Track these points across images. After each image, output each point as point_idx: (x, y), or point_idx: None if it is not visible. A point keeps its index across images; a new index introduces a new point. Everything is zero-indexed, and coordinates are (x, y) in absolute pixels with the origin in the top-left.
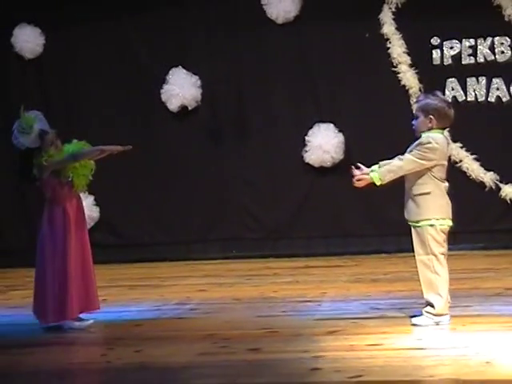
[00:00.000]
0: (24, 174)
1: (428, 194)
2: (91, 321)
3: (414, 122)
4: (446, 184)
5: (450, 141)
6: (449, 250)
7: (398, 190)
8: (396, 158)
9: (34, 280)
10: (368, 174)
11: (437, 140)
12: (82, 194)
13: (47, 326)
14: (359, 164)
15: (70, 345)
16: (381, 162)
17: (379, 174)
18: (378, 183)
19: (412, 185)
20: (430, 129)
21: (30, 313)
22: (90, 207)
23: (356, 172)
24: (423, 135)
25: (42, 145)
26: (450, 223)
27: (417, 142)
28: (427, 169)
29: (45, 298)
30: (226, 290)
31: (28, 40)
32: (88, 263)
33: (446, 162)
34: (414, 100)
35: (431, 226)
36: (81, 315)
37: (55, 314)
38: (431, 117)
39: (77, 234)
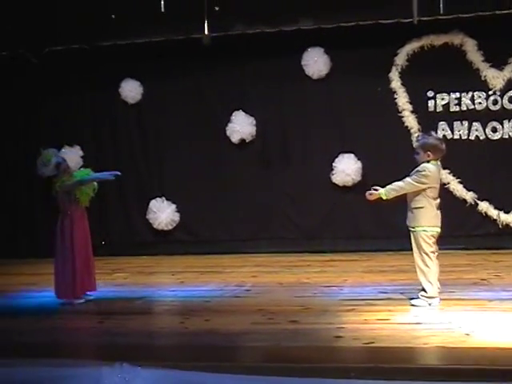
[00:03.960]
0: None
1: (422, 208)
2: (92, 297)
3: (415, 156)
4: (438, 201)
5: (441, 168)
6: (439, 249)
7: (401, 204)
8: (400, 181)
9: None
10: (377, 191)
11: (430, 169)
12: (166, 204)
13: (62, 301)
14: (375, 186)
15: (158, 314)
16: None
17: (385, 191)
18: (384, 198)
19: (411, 200)
20: (428, 161)
21: (131, 288)
22: (172, 213)
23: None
24: (421, 165)
25: (58, 173)
26: (438, 230)
27: (415, 170)
28: (422, 189)
29: (59, 281)
30: (271, 277)
31: (131, 90)
32: (89, 257)
33: (437, 185)
34: (415, 139)
35: (424, 231)
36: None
37: (67, 293)
38: (429, 152)
39: (82, 236)
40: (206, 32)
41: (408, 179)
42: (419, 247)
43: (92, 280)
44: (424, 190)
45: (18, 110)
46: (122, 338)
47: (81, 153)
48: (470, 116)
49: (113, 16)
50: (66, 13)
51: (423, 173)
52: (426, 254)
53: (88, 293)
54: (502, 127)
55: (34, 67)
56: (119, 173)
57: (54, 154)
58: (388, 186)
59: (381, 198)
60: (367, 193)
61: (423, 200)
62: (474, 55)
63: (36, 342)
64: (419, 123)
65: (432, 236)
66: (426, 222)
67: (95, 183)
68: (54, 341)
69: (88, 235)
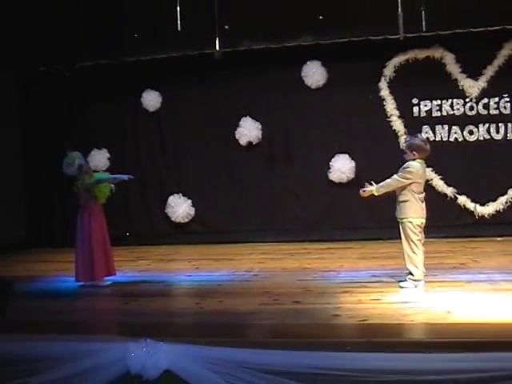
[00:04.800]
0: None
1: (407, 201)
2: (110, 282)
3: (404, 155)
4: (422, 195)
5: (425, 166)
6: (424, 237)
7: (391, 198)
8: (389, 178)
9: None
10: (370, 188)
11: (413, 166)
12: (183, 200)
13: (82, 284)
14: (367, 183)
15: (177, 296)
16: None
17: (376, 188)
18: (376, 194)
19: (398, 194)
20: (414, 159)
21: (153, 273)
22: (188, 208)
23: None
24: (406, 163)
25: (79, 173)
26: (423, 220)
27: (401, 167)
28: (407, 184)
29: (78, 266)
30: (276, 263)
31: (151, 99)
32: (107, 245)
33: (421, 181)
34: (403, 140)
35: (410, 222)
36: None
37: (85, 277)
38: (414, 152)
39: (99, 228)
40: (217, 48)
41: (395, 176)
42: (407, 236)
43: (110, 265)
44: (409, 184)
45: (53, 118)
46: (146, 317)
47: (107, 155)
48: (450, 120)
49: (135, 35)
50: (95, 33)
51: (407, 169)
52: (413, 242)
53: (106, 278)
54: (478, 130)
55: (67, 80)
56: (132, 176)
57: (77, 156)
58: (379, 184)
59: (373, 195)
60: (361, 190)
61: (408, 194)
62: (453, 67)
63: (70, 320)
64: (405, 127)
65: (418, 226)
66: (412, 213)
67: (112, 185)
68: (85, 319)
69: (104, 227)
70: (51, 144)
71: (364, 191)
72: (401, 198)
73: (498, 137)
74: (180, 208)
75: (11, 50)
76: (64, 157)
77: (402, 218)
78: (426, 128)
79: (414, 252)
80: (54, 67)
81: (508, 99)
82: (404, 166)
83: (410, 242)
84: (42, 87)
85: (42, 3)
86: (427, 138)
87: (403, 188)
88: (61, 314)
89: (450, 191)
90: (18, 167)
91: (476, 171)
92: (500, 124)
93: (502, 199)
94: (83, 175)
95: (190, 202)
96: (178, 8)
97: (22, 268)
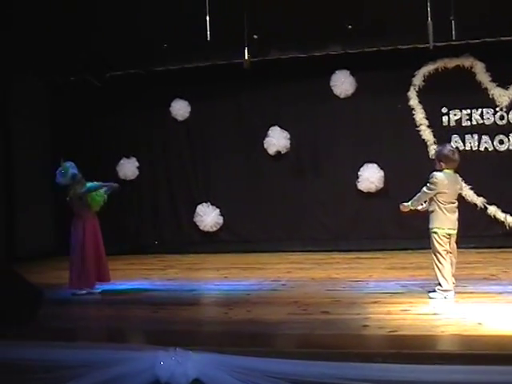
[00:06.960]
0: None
1: (433, 211)
2: (100, 290)
3: (435, 165)
4: (450, 205)
5: (457, 176)
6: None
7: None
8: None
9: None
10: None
11: (436, 176)
12: (211, 209)
13: (75, 291)
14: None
15: (205, 305)
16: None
17: (411, 203)
18: (412, 208)
19: (428, 205)
20: (442, 169)
21: (181, 282)
22: (216, 217)
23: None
24: (431, 174)
25: (72, 183)
26: (450, 231)
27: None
28: (434, 195)
29: (72, 274)
30: (305, 272)
31: (180, 109)
32: (101, 252)
33: (447, 191)
34: (433, 150)
35: (435, 232)
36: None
37: (79, 284)
38: (441, 162)
39: (92, 235)
40: (246, 57)
41: (423, 188)
42: (433, 246)
43: (103, 273)
44: (435, 195)
45: (83, 127)
46: (175, 326)
47: (137, 164)
48: (480, 130)
49: (165, 45)
50: (124, 43)
51: (431, 180)
52: (439, 253)
53: (97, 286)
54: (508, 140)
55: (97, 90)
56: (119, 185)
57: (71, 166)
58: (413, 198)
59: (410, 209)
60: (401, 206)
61: (434, 204)
62: (483, 76)
63: (99, 327)
64: (434, 136)
65: (443, 236)
66: (437, 224)
67: (105, 195)
68: (114, 327)
69: (98, 234)
70: (82, 154)
71: (404, 206)
72: (429, 209)
73: None
74: (208, 217)
75: (43, 59)
76: (59, 166)
77: (429, 229)
78: (455, 137)
79: (440, 262)
80: (85, 77)
81: None
82: (429, 176)
83: (436, 253)
84: (73, 96)
85: (72, 14)
86: (457, 147)
87: (431, 198)
88: (89, 321)
89: (479, 201)
90: (47, 174)
91: (506, 181)
92: None
93: None
94: (76, 185)
95: (218, 211)
96: (207, 18)
97: (53, 275)
